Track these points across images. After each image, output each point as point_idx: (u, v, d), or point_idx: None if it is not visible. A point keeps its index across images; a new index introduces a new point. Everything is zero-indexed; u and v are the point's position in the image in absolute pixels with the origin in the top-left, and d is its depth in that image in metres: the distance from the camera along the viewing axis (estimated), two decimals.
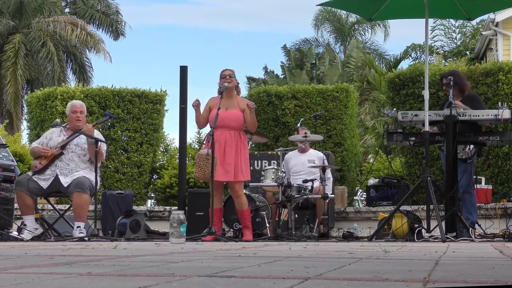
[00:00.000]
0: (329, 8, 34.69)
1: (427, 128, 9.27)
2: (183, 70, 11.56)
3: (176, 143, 19.48)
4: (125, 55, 73.07)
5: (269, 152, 11.48)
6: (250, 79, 39.54)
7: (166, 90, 15.49)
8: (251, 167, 11.78)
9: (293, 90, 15.05)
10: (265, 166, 12.54)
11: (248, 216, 9.79)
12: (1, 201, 10.45)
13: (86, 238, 9.35)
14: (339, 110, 14.94)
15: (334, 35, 41.60)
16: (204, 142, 9.90)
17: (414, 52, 33.58)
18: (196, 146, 17.46)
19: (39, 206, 12.11)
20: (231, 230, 11.33)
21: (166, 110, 15.57)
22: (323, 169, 10.55)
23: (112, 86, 15.14)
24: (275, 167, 10.83)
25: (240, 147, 9.76)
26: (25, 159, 14.53)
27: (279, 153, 11.09)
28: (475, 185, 10.34)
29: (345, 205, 13.65)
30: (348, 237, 10.85)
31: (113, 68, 74.68)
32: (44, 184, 9.76)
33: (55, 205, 11.52)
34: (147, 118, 15.09)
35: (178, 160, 12.47)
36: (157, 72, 76.09)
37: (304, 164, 11.29)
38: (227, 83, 9.92)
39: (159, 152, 16.09)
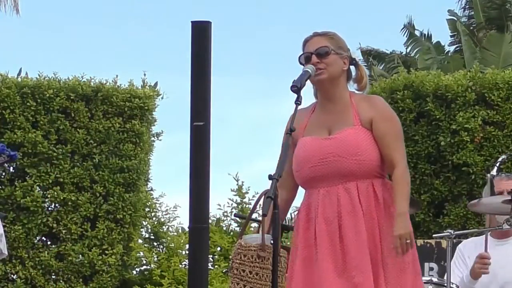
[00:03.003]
0: None
1: None
2: None
3: (182, 217, 11.74)
4: None
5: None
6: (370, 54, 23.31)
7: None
8: None
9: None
10: None
11: None
12: None
13: None
14: None
15: None
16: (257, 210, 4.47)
17: None
18: (235, 224, 10.47)
19: None
20: None
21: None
22: None
23: None
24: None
25: (376, 217, 4.23)
26: None
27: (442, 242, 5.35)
28: None
29: None
30: None
31: None
32: None
33: None
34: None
35: (187, 265, 7.16)
36: None
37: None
38: (310, 68, 4.24)
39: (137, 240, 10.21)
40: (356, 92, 4.36)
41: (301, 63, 4.28)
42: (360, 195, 4.19)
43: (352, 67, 4.34)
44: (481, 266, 5.25)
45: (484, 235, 5.67)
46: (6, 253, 6.83)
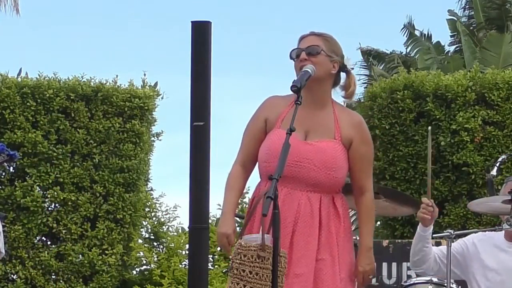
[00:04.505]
0: None
1: None
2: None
3: (182, 217, 12.23)
4: None
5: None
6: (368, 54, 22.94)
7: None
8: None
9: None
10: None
11: None
12: None
13: None
14: None
15: None
16: (252, 211, 4.27)
17: None
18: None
19: None
20: None
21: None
22: None
23: None
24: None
25: (334, 232, 4.28)
26: None
27: (442, 242, 5.24)
28: None
29: None
30: None
31: None
32: None
33: None
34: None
35: (187, 265, 6.85)
36: None
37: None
38: (310, 68, 4.23)
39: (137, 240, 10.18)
40: (338, 102, 4.35)
41: (291, 58, 4.30)
42: (322, 208, 4.20)
43: (344, 74, 4.35)
44: (423, 211, 5.05)
45: (491, 234, 5.57)
46: (4, 252, 6.80)
